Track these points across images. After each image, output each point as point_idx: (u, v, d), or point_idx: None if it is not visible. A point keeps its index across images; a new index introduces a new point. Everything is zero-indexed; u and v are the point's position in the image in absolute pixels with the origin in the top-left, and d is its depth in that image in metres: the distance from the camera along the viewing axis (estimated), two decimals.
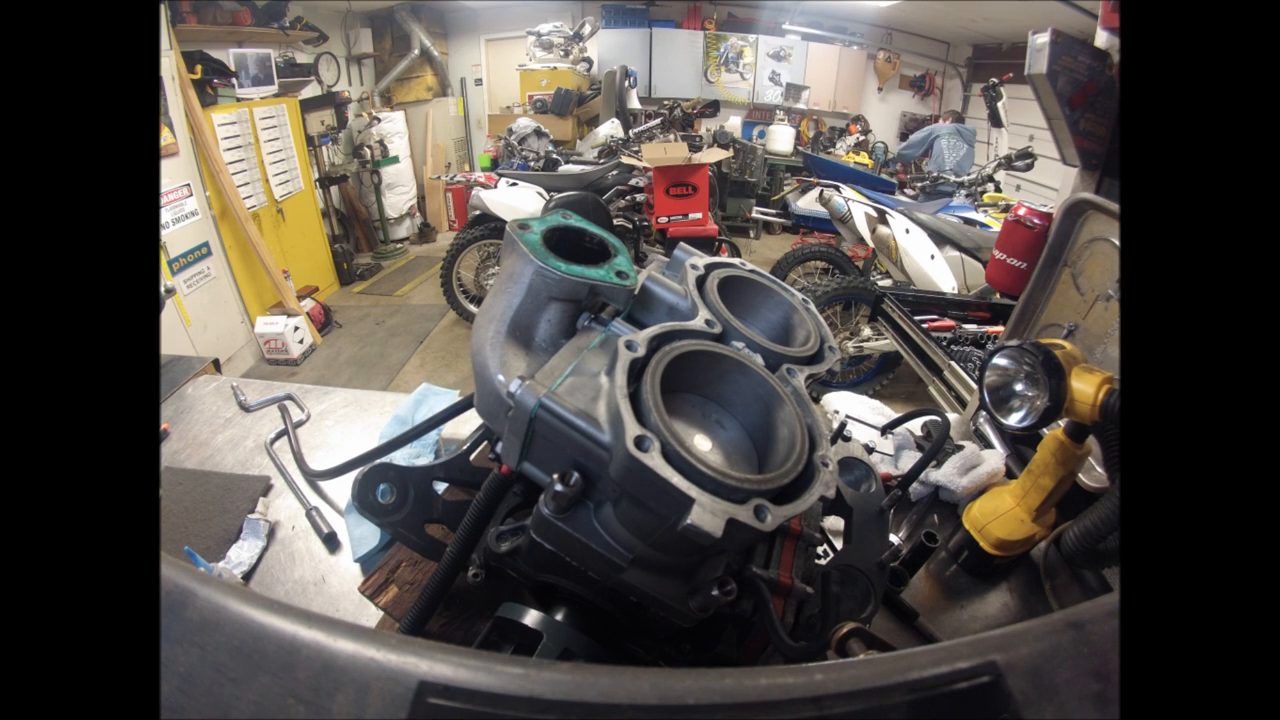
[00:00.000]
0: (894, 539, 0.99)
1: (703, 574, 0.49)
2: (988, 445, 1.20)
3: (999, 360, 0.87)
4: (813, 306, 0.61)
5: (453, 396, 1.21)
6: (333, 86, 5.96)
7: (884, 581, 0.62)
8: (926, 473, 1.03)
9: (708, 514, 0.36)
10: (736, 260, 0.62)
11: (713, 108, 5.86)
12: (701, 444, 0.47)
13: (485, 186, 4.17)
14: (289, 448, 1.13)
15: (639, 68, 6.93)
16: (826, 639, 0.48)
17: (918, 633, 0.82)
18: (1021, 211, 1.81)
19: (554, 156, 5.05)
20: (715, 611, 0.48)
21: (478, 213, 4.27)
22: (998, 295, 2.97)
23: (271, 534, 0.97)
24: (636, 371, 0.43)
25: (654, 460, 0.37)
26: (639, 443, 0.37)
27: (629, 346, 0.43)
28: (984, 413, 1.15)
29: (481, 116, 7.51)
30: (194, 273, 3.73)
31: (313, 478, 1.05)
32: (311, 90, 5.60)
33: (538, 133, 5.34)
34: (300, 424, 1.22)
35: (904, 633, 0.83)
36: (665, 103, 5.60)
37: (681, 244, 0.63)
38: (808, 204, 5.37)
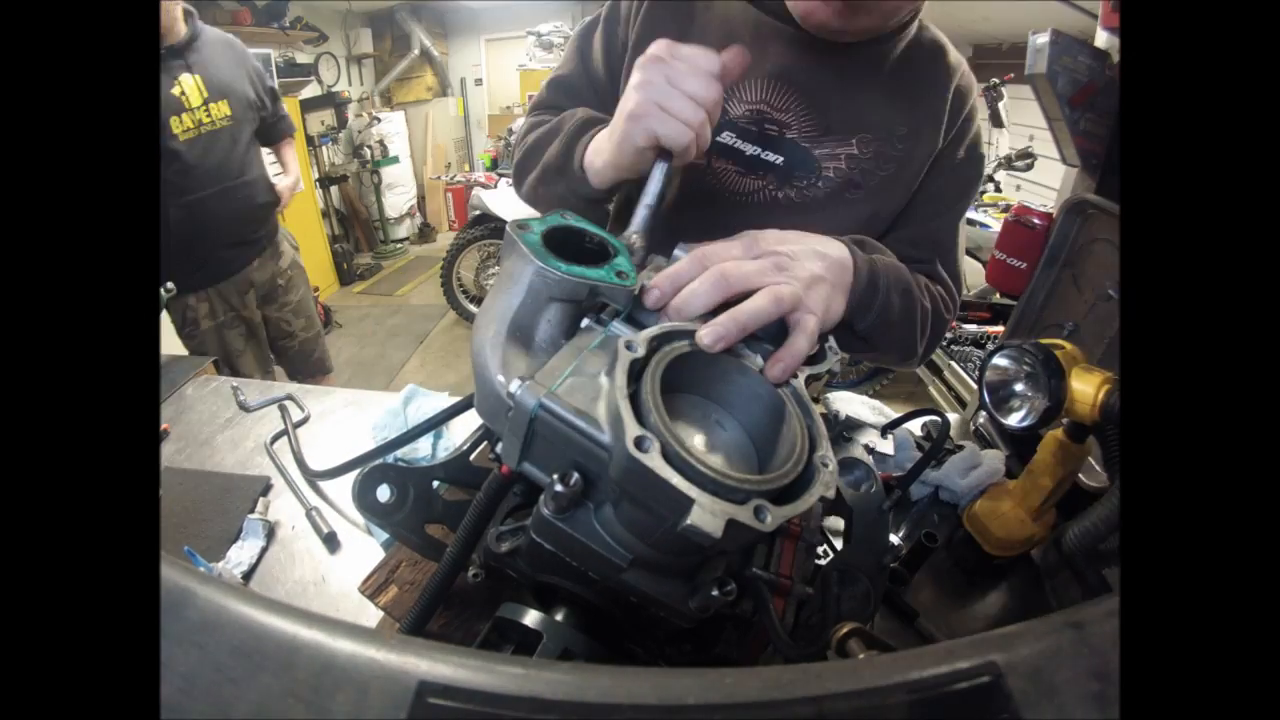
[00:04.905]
0: (894, 539, 0.99)
1: (703, 575, 0.49)
2: (988, 445, 1.20)
3: (999, 360, 0.87)
4: None
5: (441, 397, 1.21)
6: (333, 86, 5.96)
7: (884, 581, 0.62)
8: (926, 473, 1.03)
9: (708, 514, 0.36)
10: None
11: None
12: (701, 444, 0.47)
13: (485, 186, 4.17)
14: (289, 448, 1.13)
15: None
16: (826, 639, 0.48)
17: (918, 633, 0.82)
18: (1022, 212, 1.81)
19: None
20: (715, 612, 0.48)
21: (478, 213, 4.27)
22: (998, 295, 2.97)
23: (271, 534, 0.97)
24: (636, 372, 0.43)
25: (654, 461, 0.37)
26: (639, 443, 0.37)
27: (628, 347, 0.43)
28: (984, 413, 1.15)
29: (481, 116, 7.51)
30: None
31: (313, 478, 1.05)
32: (311, 90, 5.60)
33: None
34: (300, 424, 1.22)
35: (904, 633, 0.83)
36: None
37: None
38: None
